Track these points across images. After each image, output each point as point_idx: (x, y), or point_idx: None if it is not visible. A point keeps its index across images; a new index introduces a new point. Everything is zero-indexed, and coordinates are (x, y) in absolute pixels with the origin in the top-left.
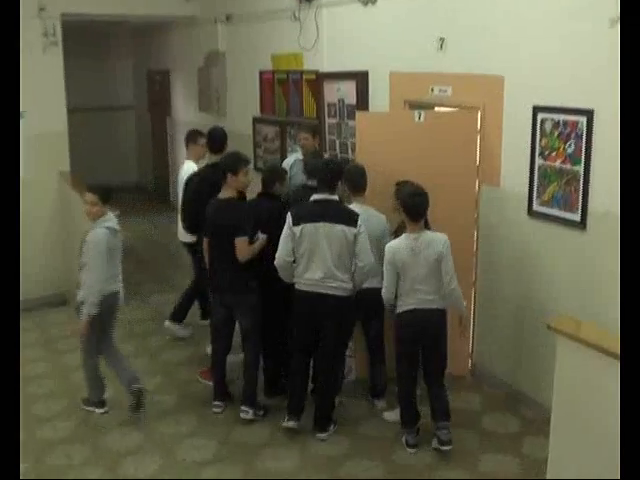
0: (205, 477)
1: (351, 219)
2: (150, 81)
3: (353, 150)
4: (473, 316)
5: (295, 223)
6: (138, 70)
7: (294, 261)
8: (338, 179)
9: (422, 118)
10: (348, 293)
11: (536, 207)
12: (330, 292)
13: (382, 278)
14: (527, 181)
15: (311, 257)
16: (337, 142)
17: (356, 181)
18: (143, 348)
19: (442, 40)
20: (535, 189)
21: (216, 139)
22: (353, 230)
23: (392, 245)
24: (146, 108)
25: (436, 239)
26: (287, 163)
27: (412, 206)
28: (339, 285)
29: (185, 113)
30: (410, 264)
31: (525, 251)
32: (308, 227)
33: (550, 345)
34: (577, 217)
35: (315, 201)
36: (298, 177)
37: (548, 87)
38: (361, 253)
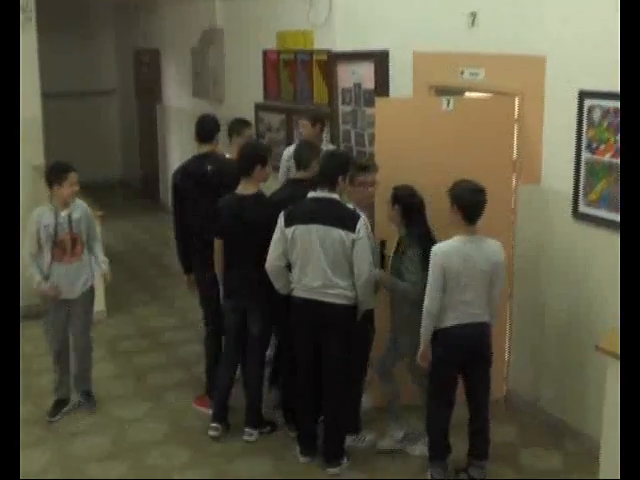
0: None
1: (350, 222)
2: (137, 62)
3: (371, 142)
4: (509, 334)
5: (287, 224)
6: (123, 49)
7: (290, 267)
8: (341, 174)
9: (452, 106)
10: (351, 302)
11: (582, 208)
12: (331, 300)
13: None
14: (572, 178)
15: (305, 263)
16: (352, 133)
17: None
18: (128, 369)
19: (474, 15)
20: (581, 187)
21: (206, 127)
22: (351, 235)
23: (442, 247)
24: (132, 93)
25: (492, 247)
26: (286, 155)
27: (473, 205)
28: (340, 293)
29: (178, 99)
30: (462, 272)
31: (569, 259)
32: (300, 229)
33: (599, 368)
34: None
35: (312, 199)
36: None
37: (597, 69)
38: (357, 261)
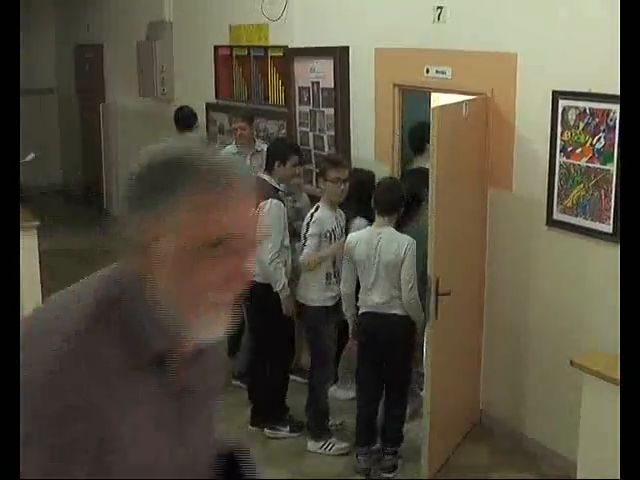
0: None
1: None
2: (78, 58)
3: (330, 145)
4: (479, 351)
5: None
6: (62, 44)
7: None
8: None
9: (467, 111)
10: (260, 279)
11: (557, 215)
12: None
13: None
14: (545, 184)
15: None
16: (311, 135)
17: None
18: None
19: (440, 9)
20: (555, 193)
21: (180, 116)
22: None
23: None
24: (73, 92)
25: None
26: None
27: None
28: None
29: (123, 98)
30: (366, 260)
31: (543, 270)
32: None
33: (575, 386)
34: (609, 228)
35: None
36: None
37: (572, 67)
38: None
